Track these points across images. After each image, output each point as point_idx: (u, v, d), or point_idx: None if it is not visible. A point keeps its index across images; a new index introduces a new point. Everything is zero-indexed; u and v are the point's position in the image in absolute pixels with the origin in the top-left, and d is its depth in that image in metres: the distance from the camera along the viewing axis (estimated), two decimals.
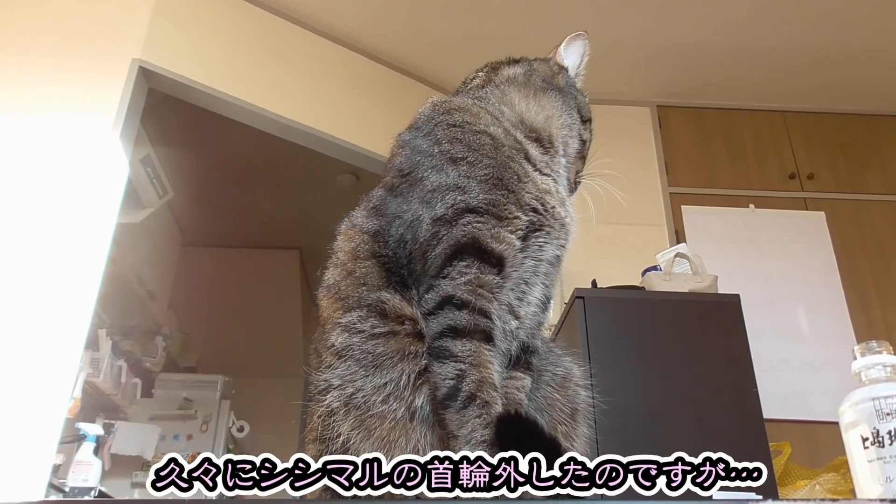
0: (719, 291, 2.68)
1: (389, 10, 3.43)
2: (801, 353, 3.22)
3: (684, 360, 2.38)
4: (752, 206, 3.61)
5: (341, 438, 0.95)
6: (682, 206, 3.59)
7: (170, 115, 3.29)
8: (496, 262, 1.03)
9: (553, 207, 1.13)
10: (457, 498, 0.86)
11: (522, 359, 1.07)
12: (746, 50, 3.60)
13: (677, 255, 2.79)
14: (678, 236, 3.47)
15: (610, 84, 3.84)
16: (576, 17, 3.44)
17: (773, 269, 3.42)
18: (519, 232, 1.06)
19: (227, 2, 3.27)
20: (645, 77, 3.82)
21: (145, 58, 2.83)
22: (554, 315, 2.66)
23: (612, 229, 3.35)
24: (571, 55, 1.38)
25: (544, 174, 1.16)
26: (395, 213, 1.09)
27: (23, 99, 2.66)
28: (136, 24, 2.89)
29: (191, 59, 3.00)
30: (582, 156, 1.33)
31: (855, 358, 0.96)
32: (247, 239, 5.11)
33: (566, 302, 2.52)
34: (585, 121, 1.34)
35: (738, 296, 2.51)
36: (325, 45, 3.51)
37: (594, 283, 2.77)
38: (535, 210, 1.10)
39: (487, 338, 0.99)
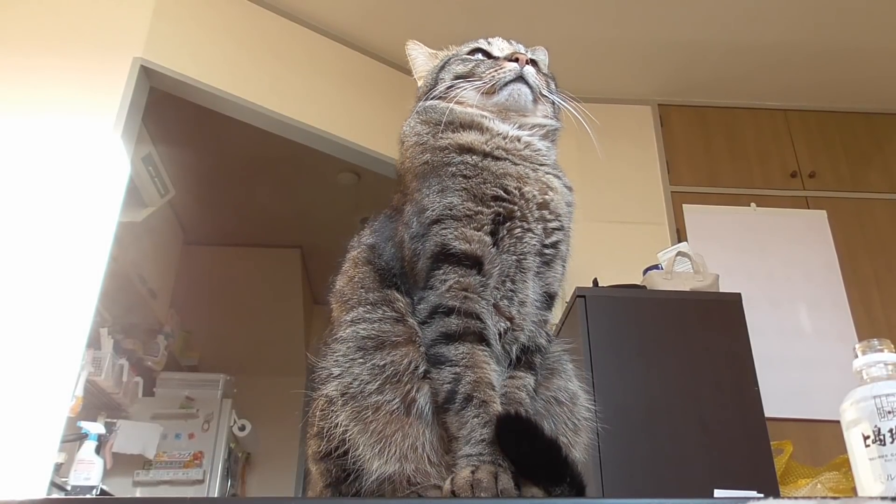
0: (721, 290, 2.68)
1: (390, 9, 3.43)
2: (803, 351, 3.22)
3: (685, 358, 2.38)
4: (753, 204, 3.61)
5: (339, 429, 0.96)
6: (684, 205, 3.59)
7: (171, 113, 3.30)
8: (473, 263, 1.03)
9: (519, 189, 1.08)
10: (455, 497, 0.86)
11: (523, 359, 1.07)
12: (748, 48, 3.59)
13: (679, 253, 2.79)
14: (679, 235, 3.47)
15: (611, 82, 3.84)
16: (576, 16, 3.44)
17: (774, 268, 3.42)
18: (486, 227, 1.05)
19: (229, 0, 3.27)
20: (646, 75, 3.82)
21: (146, 56, 2.83)
22: (555, 314, 2.66)
23: (613, 228, 3.37)
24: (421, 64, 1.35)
25: (498, 158, 1.11)
26: (388, 235, 1.14)
27: (24, 98, 2.66)
28: (138, 23, 2.89)
29: (192, 58, 3.00)
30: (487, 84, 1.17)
31: (856, 356, 0.96)
32: (248, 237, 5.12)
33: (567, 301, 2.52)
34: (455, 62, 1.24)
35: (739, 294, 2.51)
36: (327, 44, 3.51)
37: (595, 282, 2.77)
38: (497, 198, 1.06)
39: (481, 338, 0.99)
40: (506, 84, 1.17)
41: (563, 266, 1.14)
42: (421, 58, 1.34)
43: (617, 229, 3.40)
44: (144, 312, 4.21)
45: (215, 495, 4.19)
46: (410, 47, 1.35)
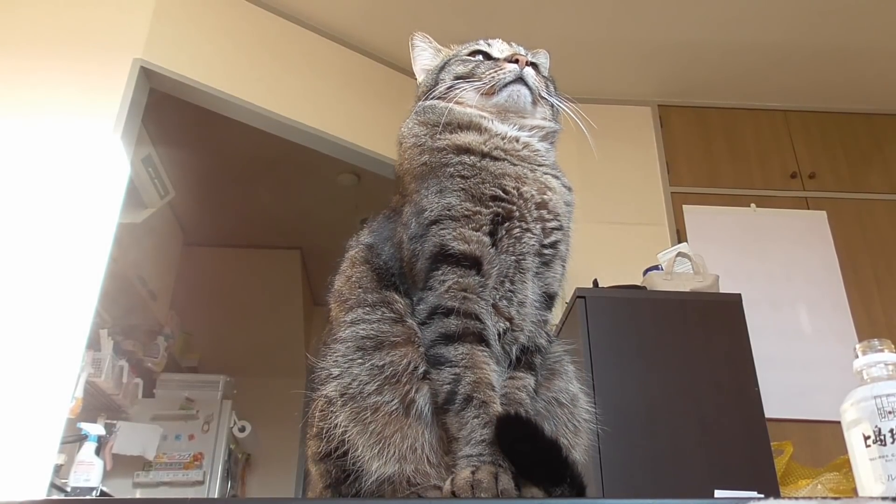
0: (721, 291, 2.68)
1: (390, 10, 3.43)
2: (803, 352, 3.21)
3: (686, 359, 2.38)
4: (753, 205, 3.61)
5: (338, 430, 0.96)
6: (684, 206, 3.59)
7: (171, 114, 3.30)
8: (472, 263, 1.03)
9: (517, 188, 1.08)
10: (455, 497, 0.86)
11: (523, 359, 1.07)
12: (748, 48, 3.60)
13: (679, 254, 2.79)
14: (679, 236, 3.47)
15: (611, 83, 3.84)
16: (576, 17, 3.44)
17: (774, 269, 3.42)
18: (485, 227, 1.04)
19: (229, 1, 3.27)
20: (646, 76, 3.82)
21: (146, 57, 2.83)
22: (555, 314, 2.66)
23: (613, 229, 3.37)
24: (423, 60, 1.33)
25: (496, 158, 1.11)
26: (387, 236, 1.14)
27: (24, 100, 2.66)
28: (137, 24, 2.89)
29: (192, 59, 3.00)
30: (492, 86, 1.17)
31: (857, 356, 0.96)
32: (248, 238, 5.12)
33: (567, 301, 2.52)
34: (455, 63, 1.24)
35: (739, 295, 2.51)
36: (327, 45, 3.51)
37: (595, 283, 2.77)
38: (495, 198, 1.06)
39: (480, 339, 0.99)
40: (505, 85, 1.16)
41: (563, 266, 1.14)
42: (427, 52, 1.33)
43: (617, 230, 3.40)
44: (144, 314, 4.21)
45: (215, 496, 4.18)
46: (418, 40, 1.33)
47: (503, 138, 1.14)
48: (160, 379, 4.37)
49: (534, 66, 1.22)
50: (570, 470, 0.92)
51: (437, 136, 1.14)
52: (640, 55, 3.69)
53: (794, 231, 3.54)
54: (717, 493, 1.72)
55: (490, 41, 1.26)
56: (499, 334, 1.04)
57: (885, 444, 0.87)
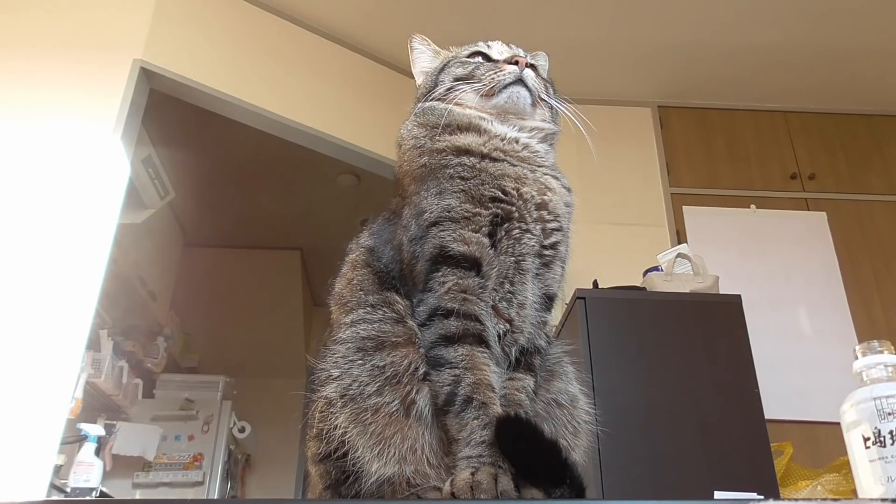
0: (721, 292, 2.68)
1: (390, 11, 3.43)
2: (803, 353, 3.21)
3: (686, 360, 2.38)
4: (753, 206, 3.61)
5: (338, 431, 0.96)
6: (684, 207, 3.59)
7: (171, 115, 3.30)
8: (471, 265, 1.03)
9: (517, 189, 1.08)
10: (455, 499, 0.86)
11: (523, 361, 1.07)
12: (748, 49, 3.60)
13: (678, 255, 2.79)
14: (679, 237, 3.47)
15: (611, 84, 3.84)
16: (576, 18, 3.44)
17: (774, 270, 3.42)
18: (484, 229, 1.05)
19: (229, 2, 3.27)
20: (646, 77, 3.82)
21: (146, 58, 2.83)
22: (555, 315, 2.66)
23: (613, 230, 3.37)
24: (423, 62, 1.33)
25: (496, 160, 1.11)
26: (387, 238, 1.14)
27: (24, 100, 2.66)
28: (137, 25, 2.89)
29: (192, 60, 3.00)
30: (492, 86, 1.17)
31: (856, 358, 0.96)
32: (248, 239, 5.12)
33: (567, 302, 2.52)
34: (454, 64, 1.24)
35: (739, 296, 2.51)
36: (327, 46, 3.51)
37: (595, 284, 2.77)
38: (495, 199, 1.06)
39: (480, 340, 0.99)
40: (505, 87, 1.17)
41: (563, 267, 1.14)
42: (425, 55, 1.33)
43: (617, 231, 3.40)
44: (144, 314, 4.21)
45: (215, 497, 4.19)
46: (416, 42, 1.33)
47: (503, 139, 1.14)
48: (160, 379, 4.38)
49: (533, 67, 1.22)
50: (569, 471, 0.91)
51: (437, 137, 1.15)
52: (640, 56, 3.69)
53: (793, 232, 3.54)
54: (717, 495, 1.72)
55: (490, 43, 1.27)
56: (498, 336, 1.04)
57: (884, 446, 0.87)
